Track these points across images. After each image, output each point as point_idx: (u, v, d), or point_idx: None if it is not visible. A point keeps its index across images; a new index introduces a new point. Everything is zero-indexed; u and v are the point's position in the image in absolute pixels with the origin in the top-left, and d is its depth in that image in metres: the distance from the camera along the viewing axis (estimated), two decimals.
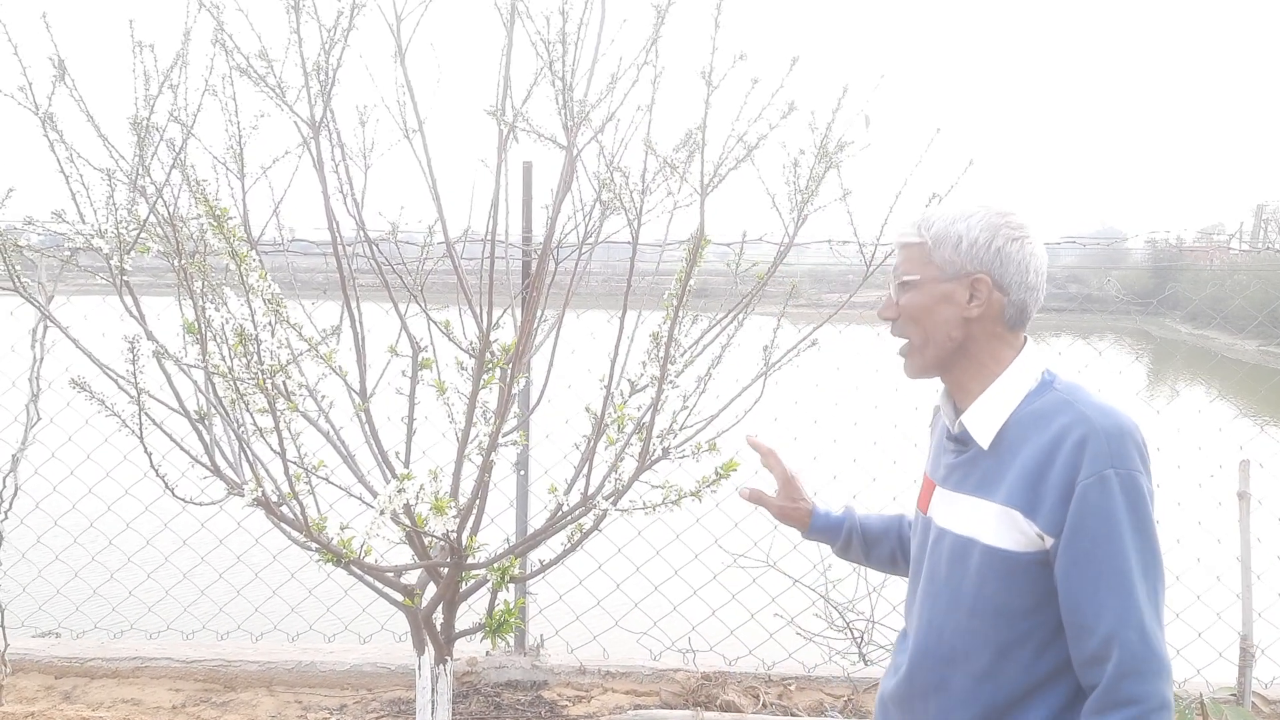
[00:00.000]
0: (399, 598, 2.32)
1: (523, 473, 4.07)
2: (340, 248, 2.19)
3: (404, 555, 2.39)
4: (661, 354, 2.20)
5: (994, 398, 1.69)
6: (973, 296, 1.68)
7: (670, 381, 2.20)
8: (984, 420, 1.69)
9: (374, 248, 2.22)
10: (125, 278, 2.02)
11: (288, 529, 2.18)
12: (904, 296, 1.72)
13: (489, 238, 2.05)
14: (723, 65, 1.84)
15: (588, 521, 2.26)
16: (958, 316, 1.69)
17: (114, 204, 1.99)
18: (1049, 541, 1.59)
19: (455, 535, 2.18)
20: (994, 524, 1.64)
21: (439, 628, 2.38)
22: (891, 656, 1.93)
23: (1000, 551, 1.63)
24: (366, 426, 2.32)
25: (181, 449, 2.14)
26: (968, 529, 1.68)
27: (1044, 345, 5.08)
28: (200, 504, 2.22)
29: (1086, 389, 1.68)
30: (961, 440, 1.74)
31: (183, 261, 2.00)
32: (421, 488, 2.02)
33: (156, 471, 2.10)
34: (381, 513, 1.98)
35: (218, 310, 2.04)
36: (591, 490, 2.22)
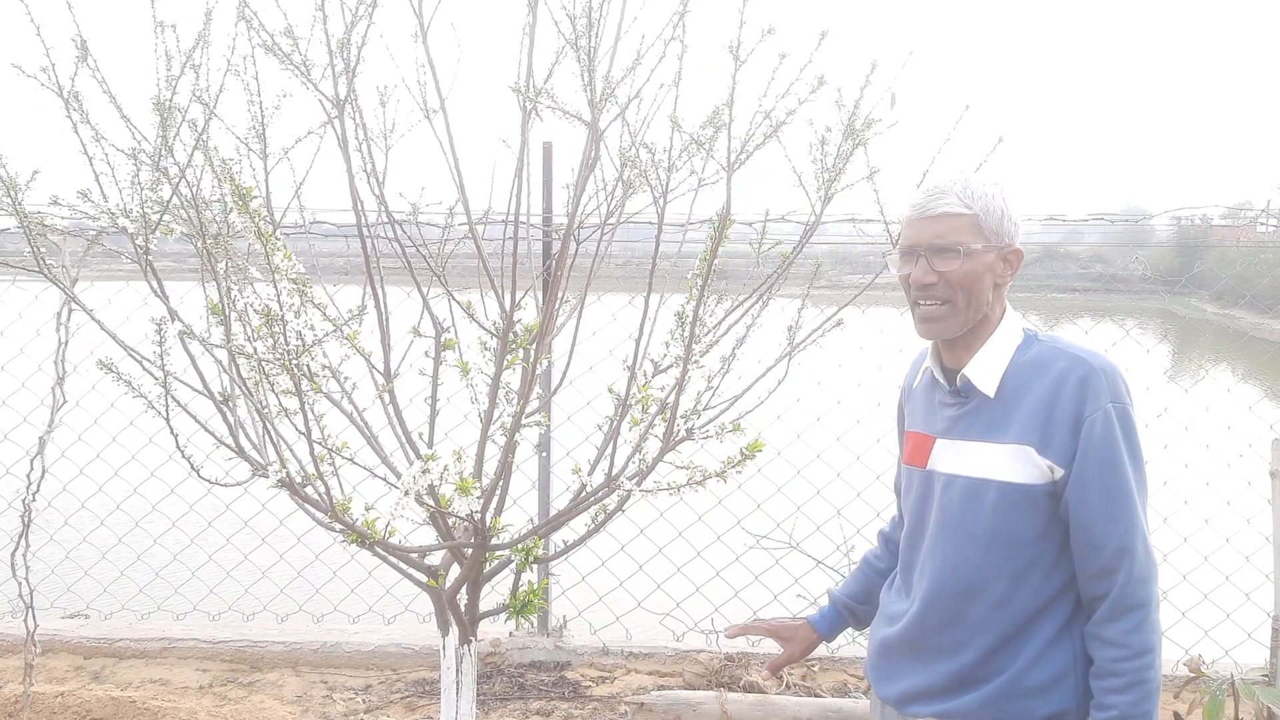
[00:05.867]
0: (423, 578, 2.32)
1: (545, 454, 4.07)
2: (364, 227, 2.18)
3: (428, 536, 2.39)
4: (686, 334, 2.18)
5: (991, 351, 1.86)
6: (1008, 265, 1.87)
7: (695, 361, 2.19)
8: (986, 371, 1.85)
9: (398, 228, 2.21)
10: (150, 258, 2.02)
11: (312, 510, 2.18)
12: (950, 263, 1.83)
13: (511, 218, 2.04)
14: (750, 40, 1.81)
15: (611, 502, 2.26)
16: (992, 283, 1.86)
17: (139, 183, 1.99)
18: (1059, 473, 1.77)
19: (479, 516, 2.18)
20: (1008, 462, 1.80)
21: (463, 608, 2.38)
22: (880, 611, 2.11)
23: (1016, 486, 1.79)
24: (390, 407, 2.31)
25: (206, 430, 2.15)
26: (980, 470, 1.83)
27: (1071, 325, 5.03)
28: (225, 485, 2.22)
29: (1067, 339, 1.89)
30: (963, 393, 1.89)
31: (206, 243, 2.00)
32: (446, 468, 2.01)
33: (182, 453, 2.11)
34: (406, 493, 1.98)
35: (241, 291, 2.04)
36: (615, 471, 2.21)
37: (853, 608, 2.26)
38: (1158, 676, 1.75)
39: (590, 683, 4.07)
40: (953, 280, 1.83)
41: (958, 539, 1.86)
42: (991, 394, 1.84)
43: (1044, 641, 1.82)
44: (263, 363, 2.00)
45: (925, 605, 1.91)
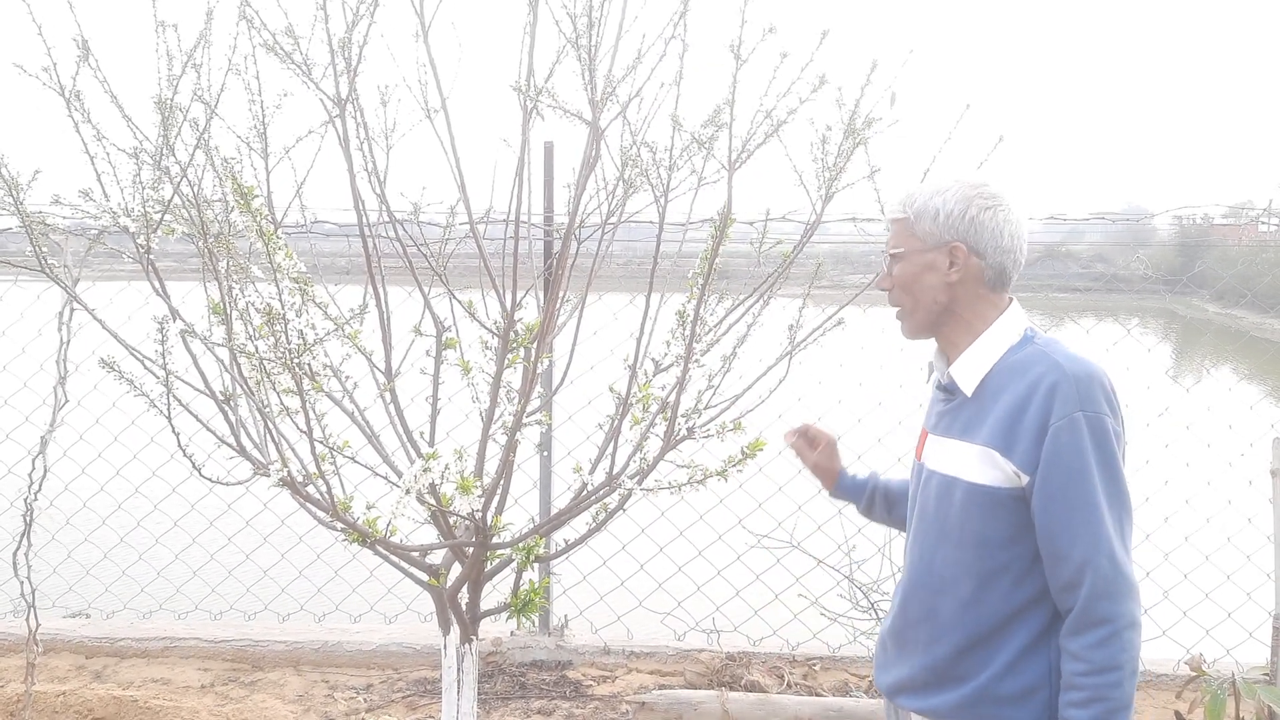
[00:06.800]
0: (424, 577, 2.33)
1: (546, 453, 4.07)
2: (365, 227, 2.18)
3: (429, 535, 2.40)
4: (687, 333, 2.18)
5: (978, 351, 1.87)
6: (952, 263, 1.85)
7: (696, 360, 2.19)
8: (968, 370, 1.87)
9: (399, 227, 2.21)
10: (151, 258, 2.02)
11: (313, 509, 2.18)
12: (895, 268, 1.90)
13: (512, 218, 2.04)
14: (751, 39, 1.82)
15: (612, 501, 2.26)
16: (941, 282, 1.86)
17: (140, 182, 1.99)
18: (1025, 479, 1.76)
19: (480, 515, 2.18)
20: (975, 463, 1.81)
21: (464, 607, 2.39)
22: (891, 601, 2.11)
23: (980, 487, 1.80)
24: (392, 406, 2.32)
25: (208, 429, 2.15)
26: (952, 469, 1.85)
27: (1072, 325, 5.03)
28: (227, 484, 2.22)
29: (1063, 342, 1.86)
30: (949, 390, 1.91)
31: (207, 242, 2.00)
32: (447, 467, 2.02)
33: (184, 452, 2.11)
34: (407, 492, 1.98)
35: (243, 290, 2.04)
36: (616, 469, 2.21)
37: (875, 493, 2.23)
38: (1124, 696, 1.70)
39: (591, 682, 4.08)
40: (897, 283, 1.91)
41: (933, 534, 1.89)
42: (969, 393, 1.85)
43: (1017, 650, 1.81)
44: (264, 362, 2.00)
45: (905, 598, 1.95)
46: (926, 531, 1.91)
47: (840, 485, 2.26)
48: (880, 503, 2.24)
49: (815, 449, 2.25)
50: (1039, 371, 1.77)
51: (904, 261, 1.88)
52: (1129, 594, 1.71)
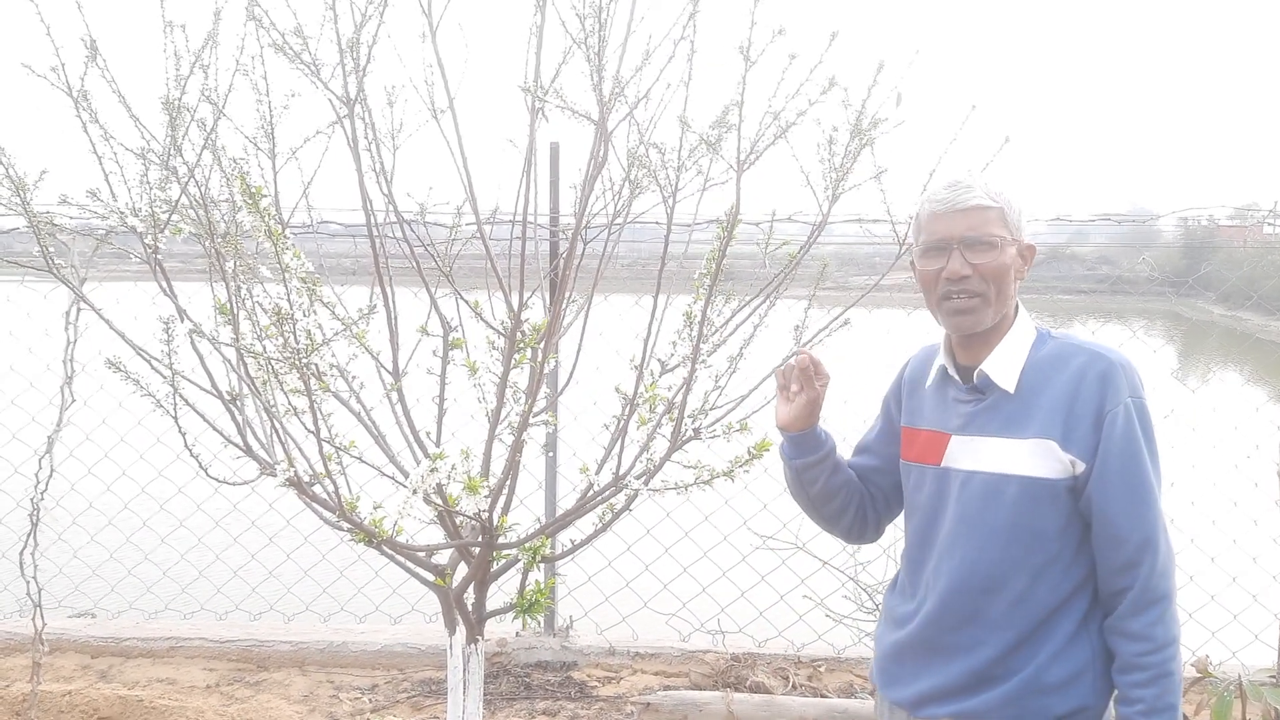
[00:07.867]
0: (430, 578, 2.33)
1: (552, 454, 4.07)
2: (373, 227, 2.18)
3: (435, 536, 2.40)
4: (694, 333, 2.18)
5: (1009, 348, 1.88)
6: (1024, 260, 1.90)
7: (702, 361, 2.19)
8: (1005, 368, 1.87)
9: (407, 227, 2.22)
10: (158, 257, 2.02)
11: (319, 509, 2.18)
12: (984, 255, 1.85)
13: (518, 218, 2.04)
14: (760, 40, 1.82)
15: (619, 501, 2.26)
16: (1014, 277, 1.88)
17: (148, 182, 1.99)
18: (1080, 467, 1.79)
19: (486, 515, 2.18)
20: (1028, 457, 1.81)
21: (470, 608, 2.39)
22: (885, 615, 2.08)
23: (1037, 480, 1.81)
24: (399, 406, 2.32)
25: (214, 429, 2.15)
26: (1000, 466, 1.84)
27: (1078, 327, 5.02)
28: (233, 484, 2.22)
29: (1079, 336, 1.92)
30: (980, 390, 1.89)
31: (214, 242, 2.01)
32: (454, 467, 2.01)
33: (190, 452, 2.11)
34: (414, 492, 1.98)
35: (250, 290, 2.05)
36: (623, 470, 2.21)
37: (832, 454, 2.13)
38: (1180, 668, 1.77)
39: (596, 683, 4.08)
40: (985, 272, 1.85)
41: (978, 535, 1.86)
42: (1011, 390, 1.85)
43: (1063, 638, 1.83)
44: (271, 361, 2.00)
45: (942, 603, 1.91)
46: (969, 534, 1.88)
47: (814, 431, 2.12)
48: (828, 466, 2.12)
49: (818, 382, 2.09)
50: (1082, 362, 1.81)
51: (1001, 250, 1.85)
52: (1174, 570, 1.81)
